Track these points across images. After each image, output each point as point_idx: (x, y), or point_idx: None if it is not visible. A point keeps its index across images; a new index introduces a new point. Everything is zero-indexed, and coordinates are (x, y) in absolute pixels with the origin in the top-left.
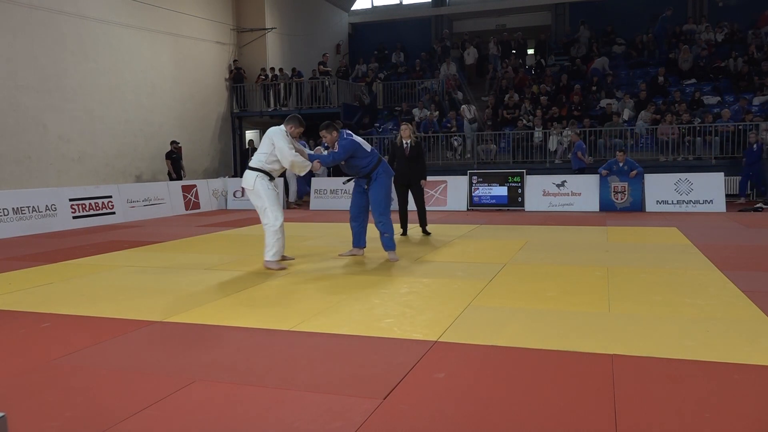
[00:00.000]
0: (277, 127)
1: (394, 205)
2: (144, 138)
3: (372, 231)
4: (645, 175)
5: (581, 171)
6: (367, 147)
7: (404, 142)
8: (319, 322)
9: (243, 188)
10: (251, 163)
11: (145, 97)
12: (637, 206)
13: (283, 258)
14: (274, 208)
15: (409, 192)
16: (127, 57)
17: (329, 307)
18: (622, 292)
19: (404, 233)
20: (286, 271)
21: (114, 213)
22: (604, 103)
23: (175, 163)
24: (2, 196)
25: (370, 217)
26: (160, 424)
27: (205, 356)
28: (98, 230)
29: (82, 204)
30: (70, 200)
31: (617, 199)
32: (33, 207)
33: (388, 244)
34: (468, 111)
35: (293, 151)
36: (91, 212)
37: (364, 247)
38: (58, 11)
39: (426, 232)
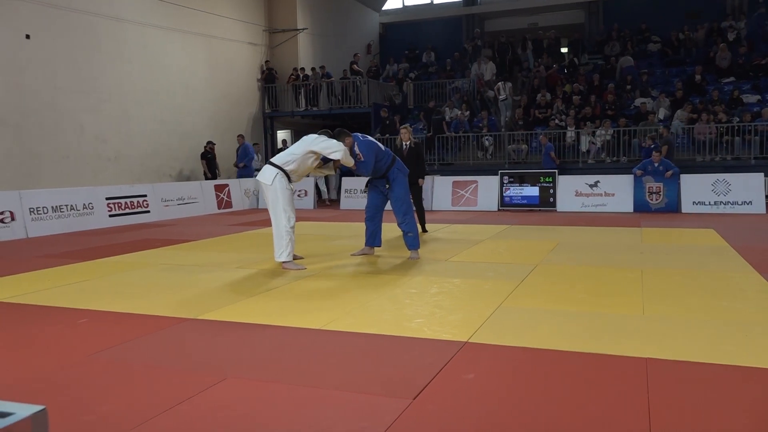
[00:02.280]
0: (328, 138)
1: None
2: (177, 138)
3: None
4: (681, 175)
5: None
6: (382, 146)
7: (404, 144)
8: (348, 321)
9: (259, 183)
10: (273, 160)
11: (179, 97)
12: (672, 207)
13: (294, 257)
14: (288, 209)
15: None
16: (162, 58)
17: (359, 307)
18: (656, 294)
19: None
20: (315, 271)
21: (149, 212)
22: (638, 102)
23: (210, 163)
24: (42, 195)
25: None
26: (192, 420)
27: (237, 354)
28: (133, 228)
29: (117, 203)
30: (107, 199)
31: (652, 199)
32: (71, 205)
33: (413, 243)
34: (503, 89)
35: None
36: (127, 211)
37: (379, 246)
38: (95, 14)
39: (424, 230)
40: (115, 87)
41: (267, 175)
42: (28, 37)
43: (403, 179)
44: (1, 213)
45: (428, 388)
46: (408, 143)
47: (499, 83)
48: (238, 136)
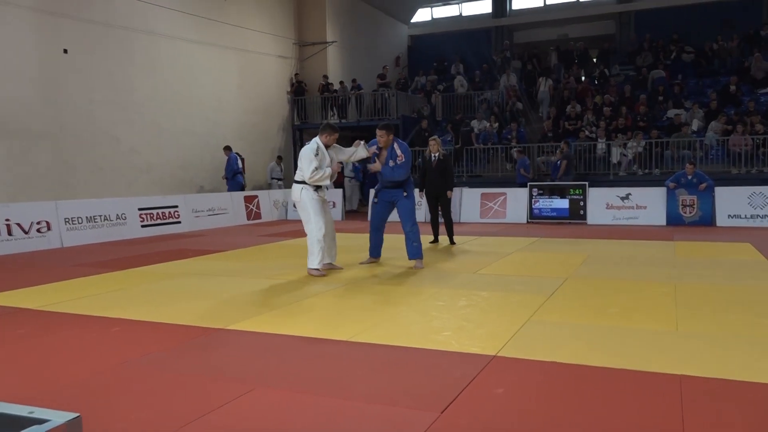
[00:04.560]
0: (308, 145)
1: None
2: (209, 150)
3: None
4: (716, 188)
5: (524, 185)
6: None
7: (432, 155)
8: (376, 333)
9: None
10: (295, 177)
11: (211, 110)
12: (706, 220)
13: (332, 266)
14: (318, 219)
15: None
16: (194, 71)
17: (386, 319)
18: (691, 309)
19: (435, 240)
20: (343, 282)
21: (180, 222)
22: (671, 113)
23: None
24: (77, 206)
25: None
26: (221, 429)
27: (265, 364)
28: (165, 239)
29: (150, 213)
30: (139, 209)
31: (686, 212)
32: (105, 216)
33: (418, 252)
34: (543, 83)
35: (313, 166)
36: (159, 221)
37: (379, 257)
38: (130, 29)
39: (452, 242)
40: (148, 100)
41: (295, 192)
42: (65, 51)
43: (413, 191)
44: (38, 223)
45: (457, 402)
46: (437, 155)
47: (541, 78)
48: (225, 148)
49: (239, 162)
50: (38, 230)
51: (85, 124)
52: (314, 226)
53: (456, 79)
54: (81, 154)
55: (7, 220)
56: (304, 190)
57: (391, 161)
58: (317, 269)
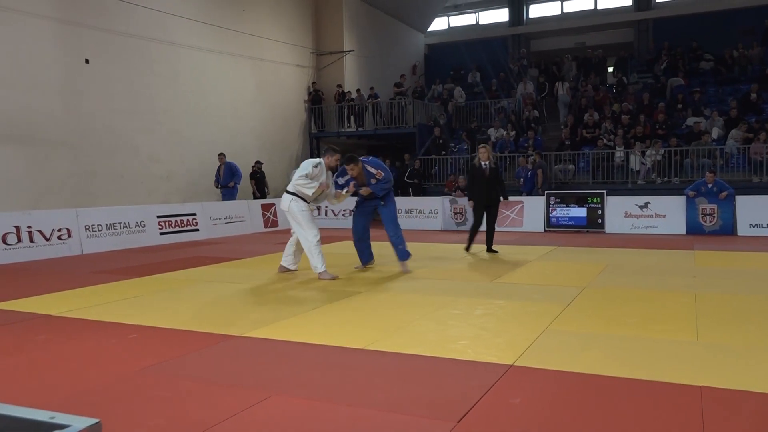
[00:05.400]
0: (309, 159)
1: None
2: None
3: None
4: (736, 196)
5: (530, 193)
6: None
7: (483, 163)
8: (392, 341)
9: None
10: (288, 187)
11: (229, 118)
12: (727, 230)
13: (286, 270)
14: (308, 227)
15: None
16: (213, 81)
17: (402, 327)
18: (711, 319)
19: (468, 249)
20: (358, 290)
21: (198, 230)
22: (691, 121)
23: (258, 182)
24: (97, 213)
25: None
26: None
27: (282, 372)
28: (183, 246)
29: (168, 221)
30: (158, 217)
31: (706, 221)
32: (124, 223)
33: (406, 254)
34: (561, 87)
35: (304, 173)
36: (177, 229)
37: (372, 259)
38: (151, 39)
39: (493, 251)
40: (168, 109)
41: (284, 202)
42: (87, 61)
43: (393, 197)
44: (59, 230)
45: (473, 412)
46: (487, 163)
47: (557, 83)
48: (219, 155)
49: (239, 169)
50: (59, 237)
51: (105, 133)
52: (309, 233)
53: (455, 90)
54: (101, 162)
55: (28, 227)
56: (293, 201)
57: (372, 179)
58: (325, 272)
